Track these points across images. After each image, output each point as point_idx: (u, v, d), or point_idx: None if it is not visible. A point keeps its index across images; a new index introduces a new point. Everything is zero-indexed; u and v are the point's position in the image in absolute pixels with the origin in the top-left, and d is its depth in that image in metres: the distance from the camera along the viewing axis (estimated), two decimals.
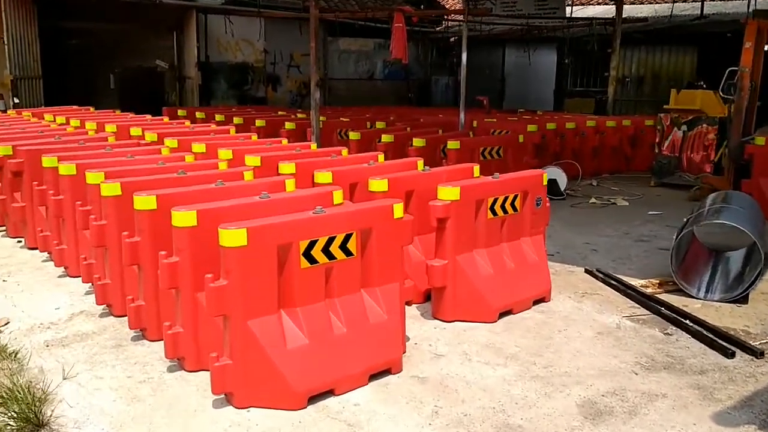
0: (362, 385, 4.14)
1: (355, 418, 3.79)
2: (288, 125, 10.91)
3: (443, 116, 13.22)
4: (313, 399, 3.95)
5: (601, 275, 6.12)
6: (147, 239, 4.70)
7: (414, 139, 8.80)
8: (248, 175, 5.75)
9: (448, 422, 3.74)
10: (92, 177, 5.53)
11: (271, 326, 3.91)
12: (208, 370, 4.28)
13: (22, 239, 7.51)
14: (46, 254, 6.95)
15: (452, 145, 8.48)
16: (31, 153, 6.91)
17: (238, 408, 3.90)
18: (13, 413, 3.90)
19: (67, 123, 10.23)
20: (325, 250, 4.08)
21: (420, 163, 6.50)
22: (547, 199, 5.72)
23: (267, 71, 18.27)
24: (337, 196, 4.91)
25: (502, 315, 5.20)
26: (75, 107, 12.41)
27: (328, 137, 10.57)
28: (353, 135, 9.80)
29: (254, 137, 8.67)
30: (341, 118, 11.83)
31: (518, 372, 4.34)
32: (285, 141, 8.24)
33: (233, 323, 3.83)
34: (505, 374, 4.30)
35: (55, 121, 10.45)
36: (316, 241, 4.03)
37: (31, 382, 4.33)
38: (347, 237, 4.16)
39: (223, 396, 3.97)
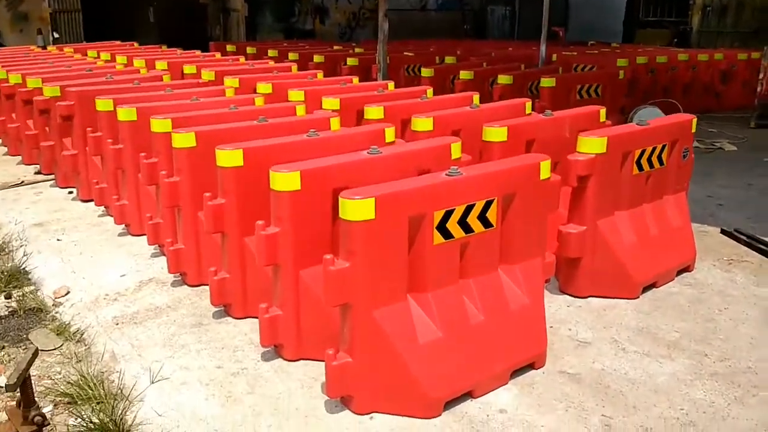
0: (503, 385, 3.39)
1: (505, 431, 3.05)
2: (350, 61, 9.95)
3: (513, 49, 12.10)
4: (449, 404, 3.22)
5: (743, 237, 5.22)
6: (233, 203, 3.93)
7: (499, 76, 7.81)
8: (335, 124, 4.92)
9: None
10: (158, 124, 4.76)
11: (399, 316, 3.15)
12: (309, 360, 3.62)
13: (74, 190, 6.85)
14: (102, 208, 6.27)
15: (546, 82, 7.49)
16: (82, 95, 6.14)
17: (358, 414, 3.19)
18: (86, 417, 3.24)
19: (113, 60, 9.43)
20: (462, 222, 3.26)
21: (528, 104, 5.61)
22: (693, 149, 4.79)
23: (314, 2, 17.10)
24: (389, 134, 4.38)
25: (645, 289, 4.37)
26: (118, 42, 11.57)
27: (394, 74, 9.60)
28: (426, 72, 8.84)
29: (320, 75, 7.78)
30: (405, 53, 10.81)
31: (691, 367, 3.54)
32: (356, 80, 7.34)
33: (356, 313, 3.08)
34: (675, 370, 3.51)
35: (99, 57, 9.66)
36: (452, 211, 3.21)
37: (103, 372, 3.68)
38: (487, 204, 3.33)
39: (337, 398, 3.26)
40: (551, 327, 3.94)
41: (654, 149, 4.39)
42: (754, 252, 5.04)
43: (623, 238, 4.28)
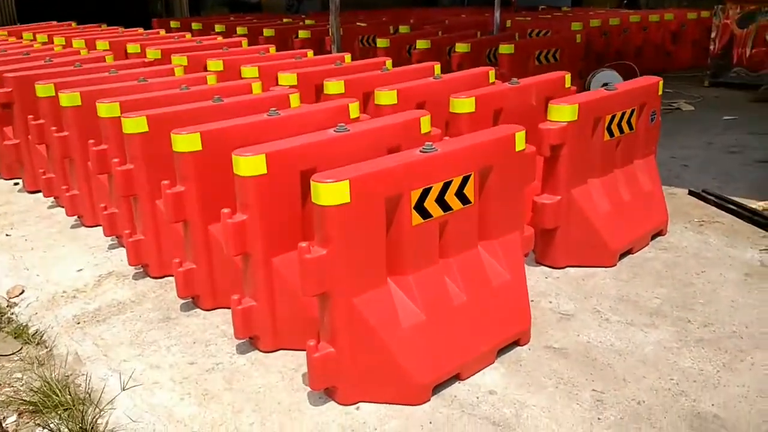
0: (490, 364, 3.30)
1: (498, 413, 2.97)
2: (302, 34, 9.64)
3: (466, 16, 11.94)
4: (437, 388, 3.12)
5: (712, 198, 5.24)
6: (194, 190, 3.72)
7: (457, 45, 7.65)
8: (294, 100, 4.70)
9: (621, 414, 2.93)
10: (106, 109, 4.48)
11: (380, 302, 3.02)
12: (288, 350, 3.48)
13: (20, 181, 6.48)
14: (52, 200, 5.95)
15: (505, 49, 7.35)
16: (20, 80, 5.75)
17: (344, 405, 3.06)
18: (53, 426, 3.04)
19: (51, 42, 8.92)
20: (440, 200, 3.13)
21: (491, 73, 5.48)
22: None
23: None
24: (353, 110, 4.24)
25: (621, 256, 4.34)
26: (54, 23, 10.98)
27: (348, 46, 9.34)
28: (381, 42, 8.61)
29: (272, 50, 7.49)
30: (358, 23, 10.54)
31: (676, 335, 3.51)
32: (311, 53, 7.08)
33: (335, 302, 2.93)
34: (660, 338, 3.48)
35: (36, 39, 9.13)
36: (429, 189, 3.08)
37: (68, 376, 3.46)
38: (465, 180, 3.21)
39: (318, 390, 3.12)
40: (532, 300, 3.86)
41: (623, 114, 4.33)
42: (724, 213, 5.06)
43: (598, 206, 4.22)
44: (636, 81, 4.63)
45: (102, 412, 3.13)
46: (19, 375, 3.54)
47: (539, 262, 4.31)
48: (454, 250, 3.29)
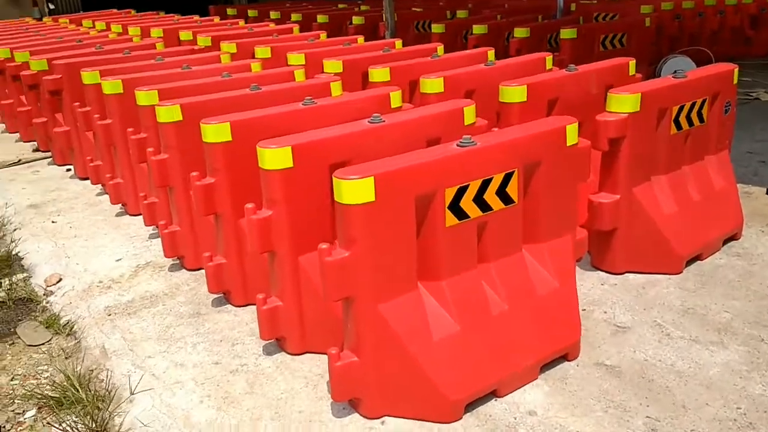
0: (532, 380, 3.01)
1: None
2: (356, 20, 9.40)
3: (528, 0, 11.42)
4: (471, 405, 2.86)
5: None
6: (224, 182, 3.55)
7: (515, 29, 7.25)
8: (336, 89, 4.48)
9: None
10: (144, 97, 4.38)
11: (409, 310, 2.77)
12: (316, 353, 3.28)
13: (72, 167, 6.52)
14: (99, 187, 5.94)
15: (567, 33, 6.92)
16: (69, 67, 5.75)
17: (368, 418, 2.84)
18: (69, 425, 2.93)
19: (108, 29, 9.00)
20: (478, 199, 2.85)
21: (549, 59, 5.11)
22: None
23: None
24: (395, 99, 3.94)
25: (689, 263, 3.94)
26: (114, 11, 11.11)
27: (403, 32, 9.04)
28: (436, 27, 8.28)
29: (323, 36, 7.29)
30: (414, 9, 10.21)
31: (746, 356, 3.12)
32: (361, 39, 6.84)
33: (359, 308, 2.70)
34: (729, 359, 3.10)
35: (94, 27, 9.23)
36: (466, 188, 2.80)
37: (92, 370, 3.36)
38: (507, 178, 2.91)
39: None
40: (584, 310, 3.54)
41: (693, 105, 3.91)
42: None
43: (662, 206, 3.83)
44: (709, 68, 4.19)
45: (119, 412, 3.01)
46: (45, 367, 3.47)
47: (595, 267, 3.96)
48: (494, 254, 3.00)
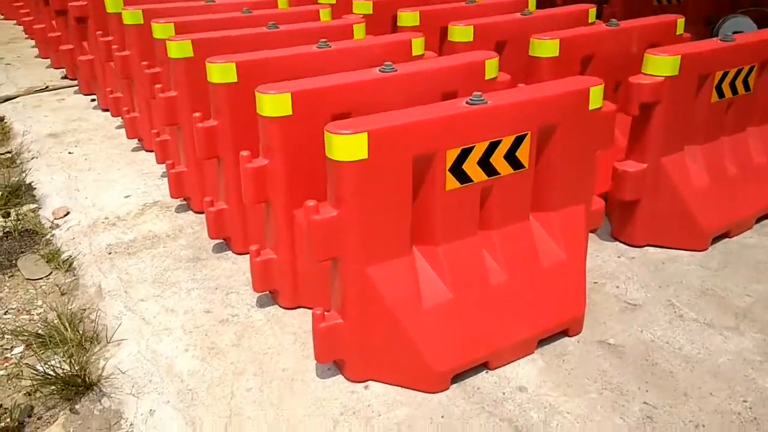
0: (528, 355, 2.85)
1: (523, 416, 2.54)
2: None
3: None
4: (460, 375, 2.72)
5: None
6: (227, 125, 3.41)
7: None
8: (359, 32, 4.25)
9: None
10: (159, 30, 4.23)
11: (400, 274, 2.62)
12: (308, 308, 3.18)
13: (96, 97, 6.45)
14: (120, 119, 5.87)
15: None
16: None
17: (352, 381, 2.73)
18: (53, 364, 2.91)
19: None
20: (484, 162, 2.64)
21: (592, 11, 4.76)
22: None
23: None
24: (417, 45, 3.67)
25: (715, 240, 3.68)
26: None
27: None
28: None
29: None
30: None
31: (762, 345, 2.90)
32: None
33: (346, 270, 2.56)
34: (742, 347, 2.88)
35: None
36: (471, 149, 2.59)
37: (84, 310, 3.33)
38: (518, 141, 2.69)
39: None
40: (595, 282, 3.35)
41: (739, 71, 3.58)
42: None
43: (693, 178, 3.56)
44: (762, 32, 3.82)
45: (104, 355, 2.98)
46: (39, 302, 3.45)
47: (615, 238, 3.74)
48: (497, 222, 2.81)
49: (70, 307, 3.37)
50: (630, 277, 3.41)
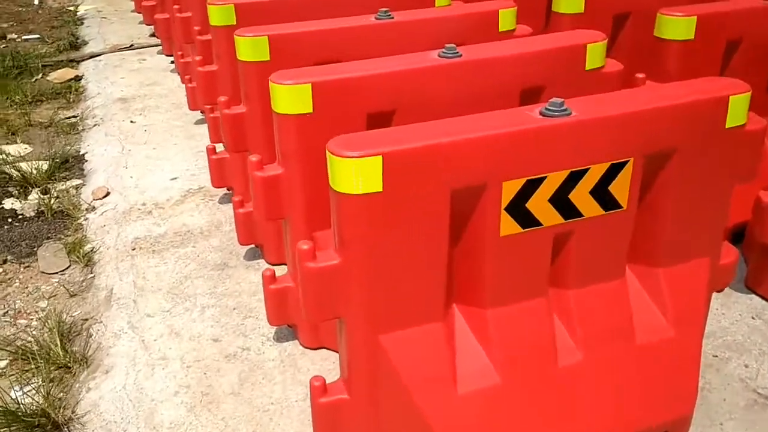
0: None
1: None
2: None
3: None
4: None
5: None
6: (257, 111, 2.79)
7: None
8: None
9: None
10: None
11: (426, 346, 1.91)
12: (332, 350, 2.56)
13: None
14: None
15: None
16: None
17: None
18: (31, 386, 2.48)
19: None
20: (558, 199, 1.86)
21: None
22: None
23: None
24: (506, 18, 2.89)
25: None
26: None
27: None
28: None
29: None
30: None
31: None
32: None
33: (352, 336, 1.89)
34: None
35: None
36: (540, 182, 1.81)
37: (85, 320, 2.90)
38: (613, 171, 1.87)
39: None
40: (715, 356, 2.48)
41: None
42: None
43: None
44: None
45: (87, 384, 2.51)
46: (44, 305, 3.05)
47: (750, 289, 2.81)
48: (576, 279, 2.02)
49: (73, 315, 2.94)
50: (767, 353, 2.50)
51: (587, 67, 2.48)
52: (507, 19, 2.96)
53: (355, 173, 1.64)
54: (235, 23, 3.18)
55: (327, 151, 1.69)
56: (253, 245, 3.24)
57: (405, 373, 1.87)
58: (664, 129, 1.89)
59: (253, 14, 3.14)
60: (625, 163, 1.88)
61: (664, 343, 2.10)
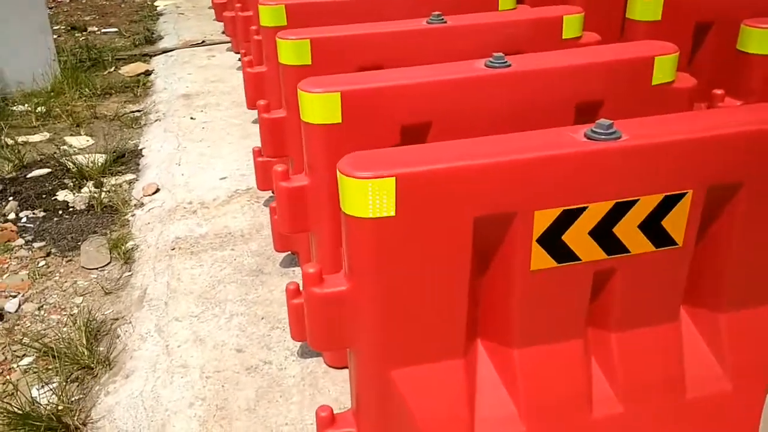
0: None
1: None
2: None
3: None
4: None
5: None
6: (297, 118, 2.67)
7: None
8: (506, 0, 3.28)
9: None
10: None
11: (442, 386, 1.73)
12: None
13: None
14: None
15: None
16: None
17: None
18: (52, 385, 2.45)
19: None
20: (600, 232, 1.64)
21: None
22: None
23: None
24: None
25: None
26: None
27: None
28: None
29: None
30: None
31: None
32: None
33: (362, 368, 1.74)
34: None
35: None
36: (580, 212, 1.60)
37: (115, 320, 2.87)
38: (668, 203, 1.64)
39: None
40: None
41: None
42: None
43: None
44: None
45: (106, 387, 2.46)
46: (78, 301, 3.04)
47: None
48: (619, 320, 1.80)
49: (104, 313, 2.91)
50: None
51: (654, 82, 2.24)
52: (572, 26, 2.74)
53: (366, 195, 1.49)
54: (285, 24, 3.09)
55: (337, 170, 1.54)
56: (287, 253, 3.14)
57: (418, 412, 1.70)
58: (731, 159, 1.65)
59: (305, 15, 3.05)
60: (682, 195, 1.65)
61: (719, 398, 1.84)
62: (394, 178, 1.47)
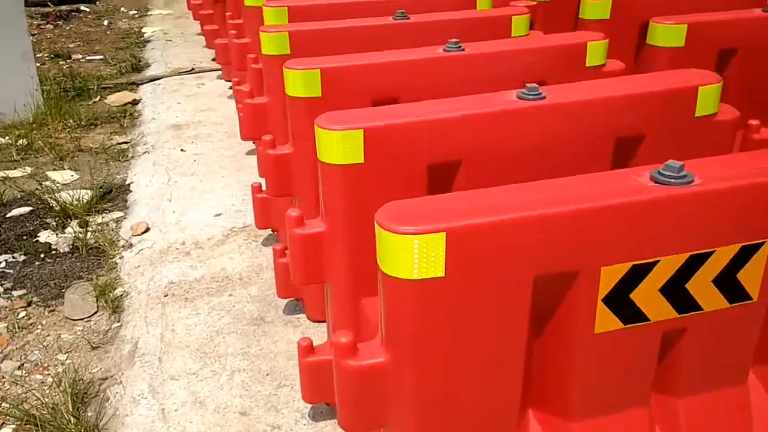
0: None
1: None
2: None
3: None
4: None
5: None
6: (305, 152, 2.46)
7: None
8: (520, 27, 3.10)
9: None
10: (271, 15, 3.39)
11: None
12: None
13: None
14: None
15: None
16: None
17: None
18: None
19: None
20: (672, 289, 1.43)
21: None
22: None
23: None
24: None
25: None
26: None
27: None
28: None
29: None
30: None
31: None
32: None
33: None
34: None
35: None
36: (650, 267, 1.39)
37: (103, 380, 2.59)
38: (744, 253, 1.44)
39: None
40: None
41: None
42: None
43: None
44: None
45: None
46: (63, 357, 2.76)
47: None
48: (688, 385, 1.58)
49: (92, 372, 2.64)
50: None
51: (697, 114, 2.05)
52: (596, 53, 2.56)
53: (411, 254, 1.26)
54: (288, 53, 2.89)
55: (376, 224, 1.31)
56: (294, 300, 2.90)
57: None
58: None
59: (310, 44, 2.85)
60: (760, 245, 1.44)
61: None
62: (444, 233, 1.25)
